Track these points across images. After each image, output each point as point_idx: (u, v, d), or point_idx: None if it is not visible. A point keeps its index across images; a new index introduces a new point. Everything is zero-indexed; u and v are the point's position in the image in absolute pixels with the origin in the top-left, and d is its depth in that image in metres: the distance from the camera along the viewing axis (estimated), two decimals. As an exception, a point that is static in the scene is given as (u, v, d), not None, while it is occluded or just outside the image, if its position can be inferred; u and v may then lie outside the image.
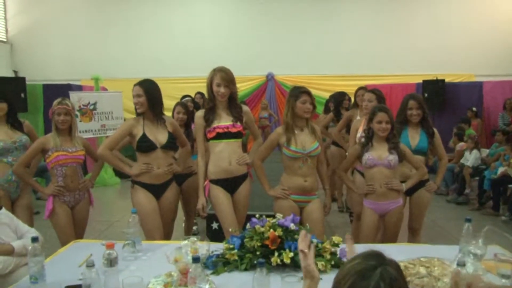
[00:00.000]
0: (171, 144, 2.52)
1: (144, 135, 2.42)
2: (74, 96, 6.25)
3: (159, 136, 2.48)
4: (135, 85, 2.47)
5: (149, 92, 2.47)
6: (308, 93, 2.39)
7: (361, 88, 3.90)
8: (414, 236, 2.81)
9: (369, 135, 2.53)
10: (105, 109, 6.68)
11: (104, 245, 1.56)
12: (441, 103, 7.24)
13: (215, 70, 2.44)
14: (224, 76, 2.42)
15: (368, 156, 2.49)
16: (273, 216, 1.83)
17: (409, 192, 2.73)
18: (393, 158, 2.46)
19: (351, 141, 3.15)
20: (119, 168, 2.51)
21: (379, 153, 2.49)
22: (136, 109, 2.48)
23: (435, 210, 4.84)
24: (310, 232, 1.55)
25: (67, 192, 2.56)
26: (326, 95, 6.45)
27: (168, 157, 2.52)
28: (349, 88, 7.18)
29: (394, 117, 2.53)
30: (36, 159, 2.68)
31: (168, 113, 2.71)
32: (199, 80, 8.40)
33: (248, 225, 1.82)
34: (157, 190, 2.49)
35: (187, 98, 4.19)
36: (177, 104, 3.42)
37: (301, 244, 1.32)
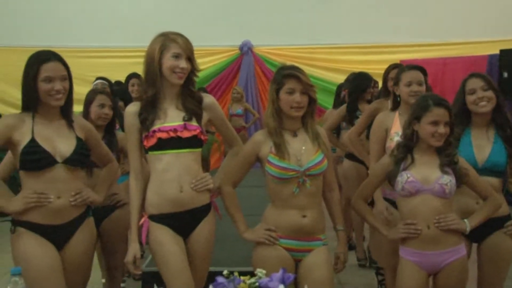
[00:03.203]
0: (81, 158, 2.54)
1: (33, 142, 2.43)
2: None
3: (61, 144, 2.49)
4: (45, 59, 2.43)
5: (70, 73, 2.51)
6: (297, 76, 2.46)
7: (395, 66, 4.04)
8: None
9: (410, 143, 2.61)
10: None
11: None
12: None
13: (167, 35, 2.50)
14: (187, 44, 2.49)
15: (407, 178, 2.56)
16: (252, 274, 1.89)
17: (478, 237, 2.80)
18: (449, 181, 2.54)
19: (374, 150, 3.24)
20: None
21: (426, 173, 2.56)
22: (24, 100, 2.47)
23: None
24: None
25: None
26: (338, 78, 6.62)
27: (75, 180, 2.53)
28: (375, 66, 7.41)
29: None
30: None
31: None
32: (131, 52, 8.41)
33: (211, 288, 1.87)
34: (57, 235, 2.49)
35: (99, 81, 4.20)
36: (96, 93, 3.45)
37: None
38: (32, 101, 2.47)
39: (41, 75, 2.42)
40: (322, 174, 2.54)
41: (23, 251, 2.45)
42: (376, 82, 5.09)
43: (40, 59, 2.45)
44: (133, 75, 5.19)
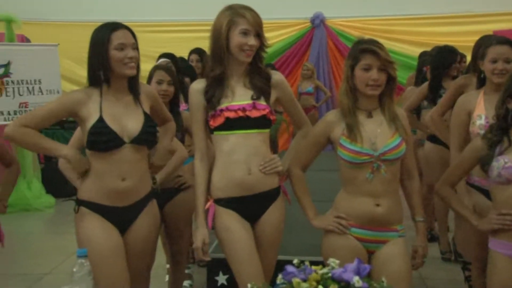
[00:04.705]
0: (148, 137, 2.61)
1: (100, 122, 2.51)
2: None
3: (128, 122, 2.56)
4: (114, 28, 2.51)
5: (137, 43, 2.58)
6: (375, 51, 2.40)
7: (486, 37, 3.88)
8: None
9: (504, 124, 2.53)
10: (27, 75, 6.88)
11: None
12: None
13: (235, 9, 2.51)
14: (256, 19, 2.50)
15: (504, 163, 2.48)
16: (323, 264, 1.89)
17: None
18: None
19: (455, 135, 3.15)
20: (47, 150, 2.60)
21: None
22: (91, 74, 2.54)
23: None
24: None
25: None
26: (418, 52, 6.45)
27: (140, 161, 2.61)
28: (463, 38, 7.15)
29: None
30: None
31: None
32: (193, 26, 8.52)
33: (280, 278, 1.88)
34: (120, 218, 2.58)
35: (163, 60, 4.29)
36: (157, 68, 3.53)
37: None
38: (105, 72, 2.53)
39: (113, 43, 2.49)
40: (399, 160, 2.49)
41: (85, 233, 2.55)
42: (463, 57, 4.91)
43: (109, 28, 2.52)
44: (193, 51, 5.28)
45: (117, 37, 2.49)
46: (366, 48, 2.42)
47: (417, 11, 8.75)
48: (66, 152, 2.58)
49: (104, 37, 2.50)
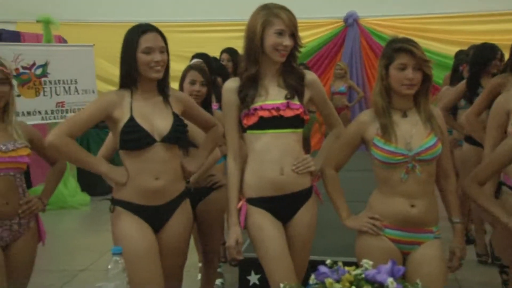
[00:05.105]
0: (178, 135, 2.64)
1: (131, 121, 2.55)
2: (7, 50, 6.43)
3: (158, 121, 2.60)
4: (144, 30, 2.56)
5: (168, 46, 2.59)
6: (410, 50, 2.38)
7: None
8: None
9: None
10: (64, 75, 7.04)
11: None
12: None
13: (270, 9, 2.52)
14: (292, 19, 2.50)
15: None
16: (356, 265, 1.88)
17: None
18: None
19: (491, 136, 3.08)
20: (86, 165, 2.62)
21: None
22: (122, 76, 2.60)
23: None
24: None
25: None
26: (454, 51, 6.35)
27: (172, 159, 2.64)
28: (502, 36, 7.01)
29: None
30: None
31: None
32: (227, 26, 8.55)
33: (312, 278, 1.88)
34: (155, 217, 2.62)
35: (197, 60, 4.32)
36: (190, 68, 3.56)
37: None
38: (131, 75, 2.58)
39: (141, 46, 2.53)
40: (434, 160, 2.46)
41: (120, 232, 2.59)
42: (502, 55, 4.81)
43: (139, 31, 2.56)
44: (224, 50, 5.32)
45: (145, 41, 2.53)
46: (401, 47, 2.40)
47: (452, 9, 8.62)
48: (103, 169, 2.61)
49: (133, 40, 2.54)
